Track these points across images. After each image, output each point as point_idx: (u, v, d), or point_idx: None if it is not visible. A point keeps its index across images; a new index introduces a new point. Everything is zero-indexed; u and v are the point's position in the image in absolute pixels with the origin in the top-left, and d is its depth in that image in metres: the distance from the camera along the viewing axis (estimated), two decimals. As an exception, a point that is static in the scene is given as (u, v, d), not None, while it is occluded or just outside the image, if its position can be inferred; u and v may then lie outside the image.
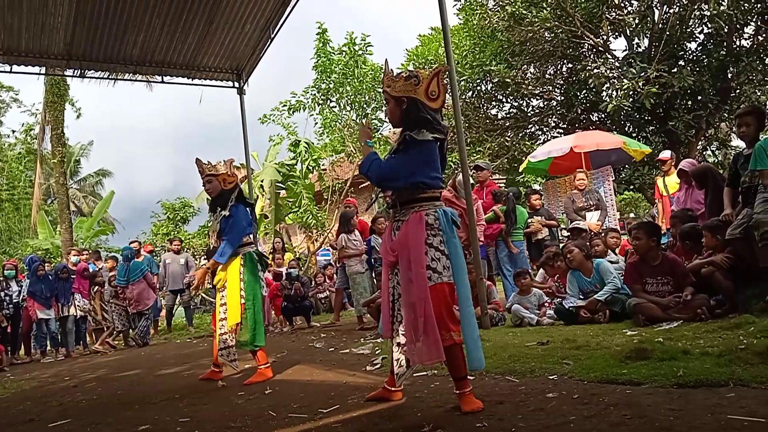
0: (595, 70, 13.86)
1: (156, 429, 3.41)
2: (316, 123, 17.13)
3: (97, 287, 10.67)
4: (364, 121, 3.08)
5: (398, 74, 3.18)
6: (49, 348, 10.47)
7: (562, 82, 16.98)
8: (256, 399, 3.97)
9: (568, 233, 8.43)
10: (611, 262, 6.41)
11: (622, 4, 14.68)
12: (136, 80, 10.72)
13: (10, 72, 9.76)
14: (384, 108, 12.67)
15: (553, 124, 18.00)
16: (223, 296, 4.94)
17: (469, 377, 2.98)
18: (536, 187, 14.40)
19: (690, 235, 5.66)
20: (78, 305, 10.53)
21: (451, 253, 3.01)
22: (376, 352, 5.23)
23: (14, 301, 10.23)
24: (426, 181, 3.04)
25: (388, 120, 3.34)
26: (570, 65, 16.48)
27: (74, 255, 11.65)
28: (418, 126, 3.05)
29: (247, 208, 5.11)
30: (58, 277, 10.39)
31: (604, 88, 14.77)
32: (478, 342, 2.99)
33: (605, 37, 15.08)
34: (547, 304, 6.42)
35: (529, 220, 8.88)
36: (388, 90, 3.15)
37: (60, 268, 10.67)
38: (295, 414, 3.31)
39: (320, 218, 17.29)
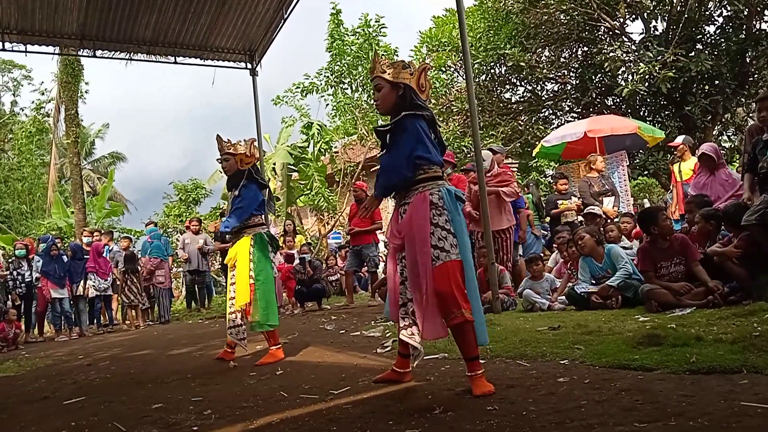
0: (611, 54, 13.71)
1: (169, 407, 3.44)
2: (328, 105, 17.09)
3: (142, 268, 11.12)
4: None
5: (392, 62, 3.25)
6: (63, 327, 10.59)
7: (577, 65, 16.80)
8: (268, 380, 3.99)
9: (582, 218, 8.38)
10: (624, 247, 6.37)
11: (640, -14, 14.46)
12: (148, 61, 10.71)
13: (26, 52, 9.79)
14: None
15: (567, 109, 17.84)
16: (233, 276, 4.97)
17: (480, 360, 2.98)
18: (549, 171, 14.33)
19: (715, 216, 5.57)
20: (93, 285, 10.65)
21: (457, 231, 3.03)
22: (387, 335, 5.24)
23: (26, 280, 10.36)
24: (424, 155, 3.05)
25: (376, 106, 3.31)
26: (585, 48, 16.29)
27: (86, 236, 11.73)
28: (410, 111, 3.12)
29: (261, 189, 5.11)
30: (68, 256, 10.55)
31: (620, 72, 14.60)
32: (482, 317, 3.06)
33: (622, 20, 14.88)
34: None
35: (559, 202, 9.08)
36: (383, 75, 3.18)
37: (74, 248, 10.83)
38: (307, 395, 3.33)
39: (332, 201, 17.29)
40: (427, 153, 3.06)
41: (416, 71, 3.19)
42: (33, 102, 29.58)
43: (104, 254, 11.24)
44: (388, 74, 3.17)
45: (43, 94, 28.99)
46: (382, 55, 3.36)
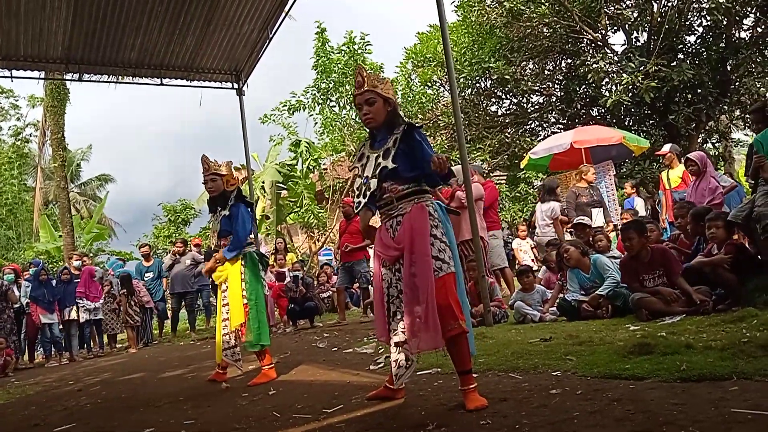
0: (594, 65, 13.85)
1: (161, 431, 3.41)
2: (316, 123, 17.16)
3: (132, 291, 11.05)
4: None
5: (381, 77, 3.29)
6: (53, 352, 10.47)
7: (561, 77, 16.96)
8: (260, 400, 3.97)
9: (572, 228, 8.40)
10: (614, 257, 6.41)
11: (621, -2, 14.68)
12: (135, 83, 10.71)
13: (11, 77, 9.76)
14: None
15: (553, 120, 17.98)
16: (225, 297, 4.96)
17: (473, 374, 2.98)
18: (537, 183, 14.41)
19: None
20: (83, 308, 10.54)
21: (451, 243, 3.07)
22: (379, 351, 5.22)
23: (15, 306, 10.25)
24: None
25: (366, 120, 3.28)
26: (569, 60, 16.47)
27: (76, 260, 11.63)
28: (410, 124, 3.19)
29: (248, 208, 5.13)
30: (60, 280, 10.44)
31: (604, 82, 14.76)
32: (470, 328, 3.09)
33: (604, 32, 15.06)
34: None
35: None
36: (375, 89, 3.20)
37: (61, 271, 10.75)
38: (299, 414, 3.31)
39: (321, 218, 17.29)
40: None
41: (392, 88, 3.28)
42: (9, 128, 29.34)
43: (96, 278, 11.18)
44: (380, 89, 3.20)
45: (19, 119, 28.93)
46: (369, 70, 3.36)
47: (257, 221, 15.02)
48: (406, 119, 3.24)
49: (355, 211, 3.39)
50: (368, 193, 3.22)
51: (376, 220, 3.34)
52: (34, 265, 11.17)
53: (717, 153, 17.88)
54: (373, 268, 3.43)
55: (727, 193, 7.42)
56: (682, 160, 8.43)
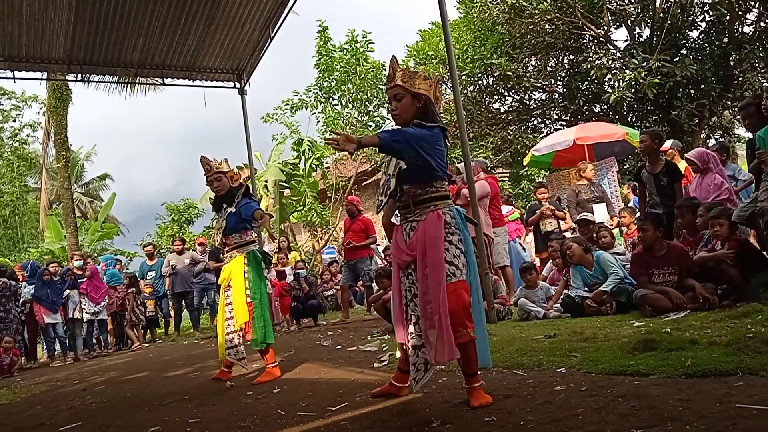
0: (597, 62, 13.84)
1: (166, 430, 3.42)
2: (319, 121, 17.14)
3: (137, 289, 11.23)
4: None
5: (414, 72, 3.15)
6: (57, 352, 10.49)
7: (563, 74, 16.93)
8: (265, 398, 3.97)
9: (575, 225, 8.39)
10: (618, 254, 6.40)
11: (623, -6, 14.64)
12: (137, 83, 10.73)
13: (14, 79, 9.78)
14: (386, 104, 12.74)
15: (555, 117, 17.96)
16: (228, 296, 4.96)
17: (478, 372, 2.98)
18: (540, 180, 14.39)
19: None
20: (85, 309, 10.55)
21: (468, 252, 3.03)
22: (384, 349, 5.23)
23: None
24: (437, 165, 2.99)
25: (393, 116, 3.19)
26: (571, 57, 16.44)
27: (77, 259, 11.63)
28: (436, 122, 3.07)
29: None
30: (64, 280, 10.46)
31: (606, 79, 14.74)
32: (486, 340, 3.08)
33: (606, 28, 15.04)
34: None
35: (538, 211, 9.06)
36: (404, 85, 3.08)
37: (64, 272, 10.76)
38: (304, 412, 3.31)
39: (324, 216, 17.27)
40: (440, 162, 3.04)
41: (432, 82, 3.13)
42: (8, 129, 29.36)
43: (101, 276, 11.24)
44: (410, 84, 3.08)
45: (15, 121, 28.98)
46: (401, 62, 3.26)
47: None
48: (440, 119, 3.11)
49: (377, 210, 3.35)
50: (389, 192, 3.17)
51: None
52: (22, 267, 11.14)
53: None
54: (383, 265, 3.40)
55: (746, 188, 7.35)
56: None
